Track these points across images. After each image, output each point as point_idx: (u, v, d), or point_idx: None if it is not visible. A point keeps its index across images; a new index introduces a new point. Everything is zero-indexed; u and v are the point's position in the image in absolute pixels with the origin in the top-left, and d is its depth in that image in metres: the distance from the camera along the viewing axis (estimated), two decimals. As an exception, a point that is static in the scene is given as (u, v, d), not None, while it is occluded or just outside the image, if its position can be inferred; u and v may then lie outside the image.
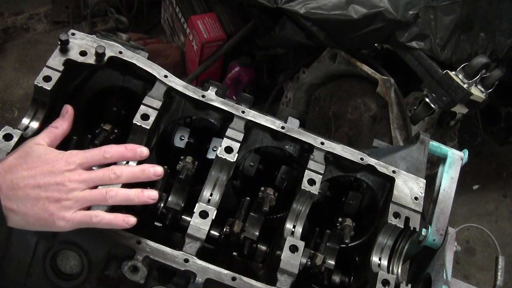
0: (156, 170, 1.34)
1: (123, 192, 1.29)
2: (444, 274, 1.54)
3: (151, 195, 1.31)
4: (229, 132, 1.52)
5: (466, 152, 1.77)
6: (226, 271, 1.33)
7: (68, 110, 1.42)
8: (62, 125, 1.39)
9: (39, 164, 1.26)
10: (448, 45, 2.53)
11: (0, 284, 1.39)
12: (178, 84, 1.54)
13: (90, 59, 1.48)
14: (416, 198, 1.55)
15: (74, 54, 1.47)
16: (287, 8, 2.46)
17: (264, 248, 1.58)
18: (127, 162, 1.38)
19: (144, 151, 1.36)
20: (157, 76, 1.52)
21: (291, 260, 1.40)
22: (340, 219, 1.58)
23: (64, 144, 1.42)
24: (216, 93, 1.57)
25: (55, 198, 1.23)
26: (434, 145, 1.75)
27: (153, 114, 1.47)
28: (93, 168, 1.33)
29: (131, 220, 1.29)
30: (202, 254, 1.37)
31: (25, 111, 1.45)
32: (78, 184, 1.26)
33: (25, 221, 1.24)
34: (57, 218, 1.23)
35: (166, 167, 1.53)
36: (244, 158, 1.66)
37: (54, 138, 1.36)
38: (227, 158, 1.47)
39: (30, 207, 1.22)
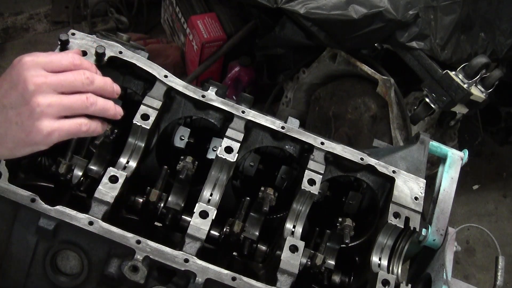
0: (117, 88, 1.25)
1: (102, 101, 1.17)
2: (444, 274, 1.54)
3: (120, 111, 1.24)
4: (229, 132, 1.52)
5: (466, 152, 1.77)
6: (226, 271, 1.33)
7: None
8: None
9: (3, 79, 1.12)
10: (448, 45, 2.53)
11: (0, 284, 1.39)
12: (178, 84, 1.54)
13: (90, 59, 1.47)
14: (416, 198, 1.55)
15: (74, 54, 1.47)
16: (287, 8, 2.46)
17: (264, 248, 1.58)
18: None
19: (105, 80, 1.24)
20: (157, 76, 1.52)
21: (291, 260, 1.40)
22: (340, 219, 1.58)
23: (64, 144, 1.42)
24: (216, 93, 1.57)
25: (25, 113, 1.07)
26: (434, 145, 1.75)
27: (153, 114, 1.47)
28: None
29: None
30: (202, 254, 1.37)
31: (25, 111, 1.45)
32: (45, 86, 1.09)
33: (6, 150, 1.11)
34: (36, 133, 1.08)
35: (166, 167, 1.53)
36: (244, 158, 1.66)
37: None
38: (227, 158, 1.47)
39: (4, 133, 1.09)
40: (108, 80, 1.21)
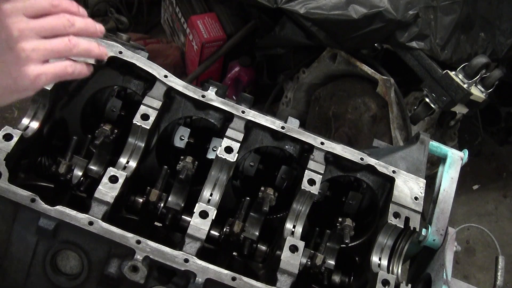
0: (100, 26, 1.20)
1: (85, 42, 1.15)
2: (444, 274, 1.54)
3: (105, 50, 1.20)
4: (229, 132, 1.52)
5: (466, 152, 1.77)
6: (226, 271, 1.33)
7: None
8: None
9: None
10: (448, 45, 2.53)
11: (0, 284, 1.39)
12: (178, 84, 1.54)
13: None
14: (416, 198, 1.55)
15: (74, 54, 1.47)
16: (287, 8, 2.46)
17: (264, 248, 1.58)
18: None
19: (85, 11, 1.21)
20: (157, 76, 1.52)
21: (291, 260, 1.40)
22: (340, 219, 1.58)
23: (64, 144, 1.42)
24: (216, 93, 1.57)
25: (10, 59, 1.06)
26: (434, 145, 1.75)
27: (153, 114, 1.47)
28: None
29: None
30: (202, 254, 1.37)
31: (25, 111, 1.45)
32: (28, 31, 1.08)
33: None
34: (24, 77, 1.07)
35: (166, 167, 1.53)
36: (244, 158, 1.66)
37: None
38: (227, 158, 1.47)
39: None
40: (89, 21, 1.18)
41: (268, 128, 1.57)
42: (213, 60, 3.22)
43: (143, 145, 1.48)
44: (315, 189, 1.49)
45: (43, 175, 1.52)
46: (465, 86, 2.29)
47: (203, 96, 1.55)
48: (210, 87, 1.58)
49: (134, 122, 1.45)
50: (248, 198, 1.56)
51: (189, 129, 1.64)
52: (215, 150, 1.58)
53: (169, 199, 1.52)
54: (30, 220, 1.30)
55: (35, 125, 1.42)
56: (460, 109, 2.44)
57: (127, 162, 1.47)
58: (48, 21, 1.11)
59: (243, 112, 1.55)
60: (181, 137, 1.63)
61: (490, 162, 3.85)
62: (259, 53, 3.10)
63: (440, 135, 2.95)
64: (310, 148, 1.57)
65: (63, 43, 1.11)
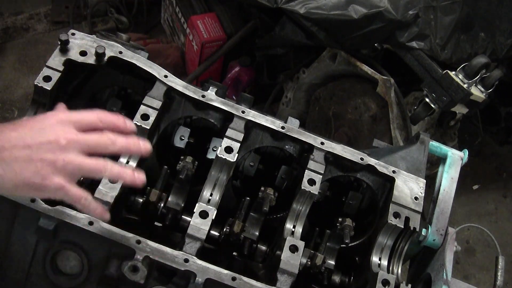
0: (146, 145, 1.22)
1: (118, 168, 1.19)
2: (444, 274, 1.54)
3: (141, 177, 1.21)
4: (229, 132, 1.52)
5: (466, 152, 1.77)
6: (226, 271, 1.33)
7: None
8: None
9: (28, 124, 1.15)
10: (448, 45, 2.53)
11: (0, 284, 1.38)
12: (178, 84, 1.54)
13: (90, 59, 1.48)
14: (416, 198, 1.55)
15: (74, 54, 1.47)
16: (287, 8, 2.46)
17: (264, 248, 1.58)
18: None
19: (132, 125, 1.26)
20: (157, 76, 1.52)
21: (291, 260, 1.40)
22: (340, 219, 1.58)
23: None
24: (216, 93, 1.57)
25: (48, 160, 1.11)
26: (434, 145, 1.75)
27: (153, 114, 1.47)
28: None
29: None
30: (202, 254, 1.37)
31: (25, 111, 1.45)
32: (73, 144, 1.14)
33: (12, 186, 1.12)
34: (50, 183, 1.11)
35: (166, 167, 1.53)
36: (244, 158, 1.66)
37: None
38: (227, 158, 1.47)
39: (19, 170, 1.10)
40: (131, 140, 1.21)
41: (268, 128, 1.57)
42: (213, 60, 3.22)
43: (143, 145, 1.48)
44: (315, 189, 1.49)
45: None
46: (465, 86, 2.29)
47: (203, 96, 1.55)
48: (210, 87, 1.58)
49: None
50: (248, 198, 1.56)
51: (189, 129, 1.64)
52: (215, 150, 1.58)
53: (169, 199, 1.52)
54: (30, 220, 1.30)
55: (35, 125, 1.42)
56: (460, 109, 2.44)
57: (127, 162, 1.47)
58: (93, 138, 1.17)
59: (243, 112, 1.55)
60: (181, 137, 1.63)
61: (490, 162, 3.85)
62: (259, 53, 3.10)
63: (440, 135, 2.95)
64: (310, 148, 1.57)
65: (97, 166, 1.16)
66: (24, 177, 1.11)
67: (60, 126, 1.15)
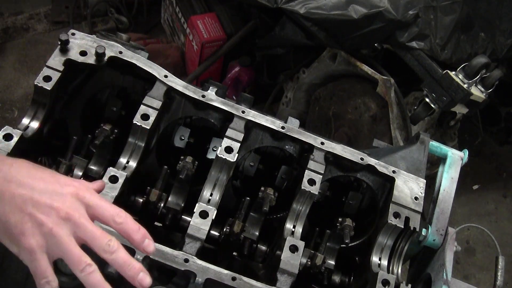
0: (146, 280, 1.09)
1: (97, 279, 1.06)
2: (444, 274, 1.54)
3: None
4: (229, 132, 1.52)
5: (466, 152, 1.77)
6: (226, 271, 1.33)
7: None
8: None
9: (48, 179, 1.10)
10: (448, 45, 2.53)
11: (0, 284, 1.38)
12: (178, 84, 1.54)
13: (90, 59, 1.48)
14: (416, 198, 1.55)
15: (74, 54, 1.47)
16: (287, 8, 2.46)
17: (264, 248, 1.58)
18: None
19: (151, 245, 1.13)
20: (157, 76, 1.52)
21: (291, 260, 1.40)
22: (340, 219, 1.58)
23: (64, 144, 1.42)
24: (216, 93, 1.57)
25: (38, 220, 1.04)
26: (434, 145, 1.75)
27: (153, 114, 1.47)
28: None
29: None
30: (202, 254, 1.37)
31: (25, 111, 1.45)
32: (71, 223, 1.06)
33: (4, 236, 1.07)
34: (25, 241, 1.04)
35: (166, 167, 1.53)
36: (244, 158, 1.66)
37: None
38: (227, 158, 1.47)
39: (6, 213, 1.05)
40: (133, 264, 1.09)
41: (268, 128, 1.57)
42: (213, 60, 3.22)
43: (143, 145, 1.48)
44: (315, 189, 1.49)
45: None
46: (465, 86, 2.29)
47: (203, 96, 1.55)
48: (210, 87, 1.58)
49: (134, 122, 1.45)
50: (248, 198, 1.56)
51: (189, 129, 1.64)
52: (215, 150, 1.58)
53: (169, 199, 1.52)
54: (30, 220, 1.30)
55: (35, 125, 1.42)
56: (460, 109, 2.44)
57: (127, 162, 1.47)
58: (93, 234, 1.08)
59: (243, 112, 1.55)
60: (181, 137, 1.63)
61: (490, 162, 3.85)
62: (259, 53, 3.11)
63: (440, 135, 2.95)
64: (310, 148, 1.57)
65: (80, 263, 1.05)
66: (6, 220, 1.05)
67: (72, 200, 1.09)
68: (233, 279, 1.33)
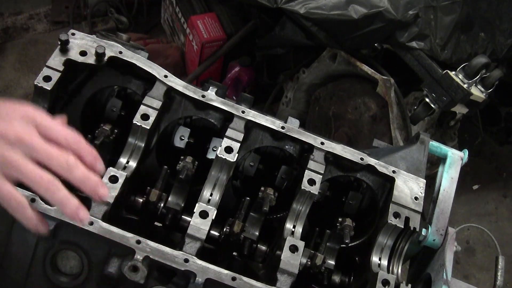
0: (105, 192, 1.08)
1: (62, 195, 1.04)
2: (444, 274, 1.54)
3: (84, 216, 1.07)
4: (229, 132, 1.52)
5: (466, 152, 1.77)
6: (226, 271, 1.33)
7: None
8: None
9: None
10: (448, 45, 2.53)
11: (0, 284, 1.38)
12: (178, 84, 1.54)
13: (90, 59, 1.48)
14: (416, 198, 1.55)
15: (74, 54, 1.47)
16: (287, 8, 2.46)
17: (264, 248, 1.58)
18: None
19: (99, 167, 1.10)
20: (157, 76, 1.52)
21: (291, 260, 1.40)
22: (340, 219, 1.58)
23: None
24: (216, 93, 1.57)
25: None
26: (434, 145, 1.75)
27: (153, 114, 1.47)
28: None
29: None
30: (202, 254, 1.37)
31: (25, 111, 1.45)
32: (23, 144, 1.02)
33: None
34: None
35: (166, 167, 1.53)
36: (244, 158, 1.66)
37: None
38: (227, 158, 1.47)
39: None
40: (92, 179, 1.06)
41: (268, 128, 1.57)
42: (213, 60, 3.23)
43: (143, 145, 1.48)
44: (315, 189, 1.49)
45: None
46: (465, 86, 2.29)
47: (203, 96, 1.55)
48: (210, 87, 1.58)
49: (134, 122, 1.44)
50: (248, 198, 1.56)
51: (189, 129, 1.64)
52: (215, 150, 1.58)
53: (169, 199, 1.52)
54: (30, 220, 1.30)
55: (35, 125, 1.42)
56: (460, 109, 2.44)
57: (127, 162, 1.47)
58: (48, 151, 1.04)
59: (243, 112, 1.55)
60: (181, 137, 1.63)
61: (490, 162, 3.85)
62: (259, 53, 3.11)
63: (440, 135, 2.95)
64: (310, 148, 1.57)
65: (38, 178, 1.01)
66: None
67: (21, 122, 1.04)
68: (233, 279, 1.33)
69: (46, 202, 1.29)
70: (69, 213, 1.07)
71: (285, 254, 1.40)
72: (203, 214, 1.40)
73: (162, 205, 1.52)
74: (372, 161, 1.58)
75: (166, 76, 1.53)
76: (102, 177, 1.17)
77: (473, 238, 3.49)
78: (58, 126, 1.09)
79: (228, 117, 1.55)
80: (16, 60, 3.57)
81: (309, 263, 1.51)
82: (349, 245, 1.63)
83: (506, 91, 3.03)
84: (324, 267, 1.55)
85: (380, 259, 1.52)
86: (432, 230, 1.63)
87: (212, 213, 1.41)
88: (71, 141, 1.08)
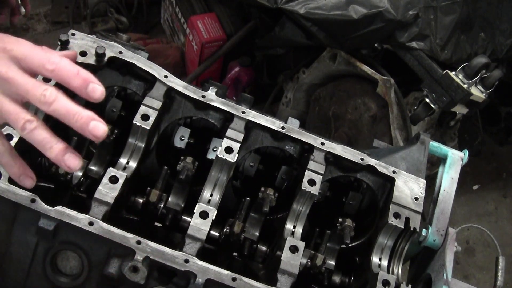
0: (98, 128, 0.97)
1: (41, 133, 0.97)
2: (444, 274, 1.54)
3: (73, 164, 0.98)
4: (229, 132, 1.51)
5: (466, 152, 1.77)
6: (226, 272, 1.33)
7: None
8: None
9: None
10: (448, 45, 2.53)
11: (0, 284, 1.38)
12: (178, 84, 1.54)
13: (90, 59, 1.47)
14: (416, 199, 1.54)
15: (74, 55, 1.47)
16: (287, 8, 2.46)
17: (264, 248, 1.58)
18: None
19: (97, 90, 1.00)
20: (157, 76, 1.52)
21: (291, 260, 1.40)
22: (340, 220, 1.58)
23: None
24: (216, 93, 1.57)
25: None
26: (434, 145, 1.75)
27: (153, 115, 1.47)
28: None
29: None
30: (202, 254, 1.37)
31: (25, 111, 1.45)
32: (1, 81, 0.95)
33: None
34: None
35: (166, 167, 1.53)
36: (244, 158, 1.66)
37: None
38: (227, 159, 1.47)
39: None
40: (78, 112, 0.97)
41: (268, 129, 1.57)
42: (213, 60, 3.23)
43: (143, 145, 1.48)
44: (315, 190, 1.49)
45: (43, 175, 1.52)
46: (465, 86, 2.29)
47: (203, 97, 1.55)
48: (210, 87, 1.58)
49: (134, 123, 1.44)
50: (248, 198, 1.56)
51: (189, 130, 1.63)
52: (215, 151, 1.57)
53: (169, 199, 1.52)
54: (30, 220, 1.30)
55: (35, 125, 1.42)
56: (460, 109, 2.44)
57: (127, 162, 1.47)
58: (26, 82, 0.96)
59: (243, 112, 1.55)
60: (181, 138, 1.63)
61: (490, 162, 3.85)
62: (259, 53, 3.11)
63: (440, 135, 2.95)
64: (310, 148, 1.57)
65: (15, 115, 0.95)
66: None
67: None
68: (233, 279, 1.33)
69: (46, 203, 1.29)
70: (54, 157, 0.99)
71: (285, 254, 1.40)
72: (203, 215, 1.40)
73: (162, 205, 1.52)
74: (372, 161, 1.58)
75: (166, 77, 1.53)
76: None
77: (473, 238, 3.49)
78: (35, 52, 0.99)
79: (228, 118, 1.55)
80: (16, 60, 3.57)
81: (309, 263, 1.51)
82: (349, 245, 1.63)
83: (506, 91, 3.03)
84: (325, 268, 1.55)
85: (380, 260, 1.52)
86: (432, 230, 1.63)
87: (212, 213, 1.41)
88: (50, 67, 0.98)
